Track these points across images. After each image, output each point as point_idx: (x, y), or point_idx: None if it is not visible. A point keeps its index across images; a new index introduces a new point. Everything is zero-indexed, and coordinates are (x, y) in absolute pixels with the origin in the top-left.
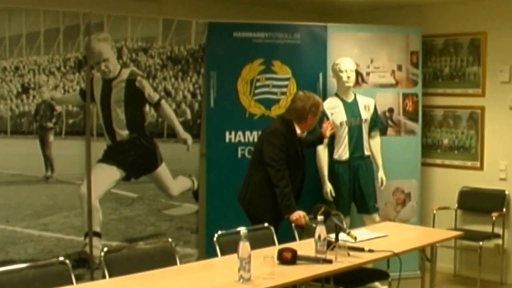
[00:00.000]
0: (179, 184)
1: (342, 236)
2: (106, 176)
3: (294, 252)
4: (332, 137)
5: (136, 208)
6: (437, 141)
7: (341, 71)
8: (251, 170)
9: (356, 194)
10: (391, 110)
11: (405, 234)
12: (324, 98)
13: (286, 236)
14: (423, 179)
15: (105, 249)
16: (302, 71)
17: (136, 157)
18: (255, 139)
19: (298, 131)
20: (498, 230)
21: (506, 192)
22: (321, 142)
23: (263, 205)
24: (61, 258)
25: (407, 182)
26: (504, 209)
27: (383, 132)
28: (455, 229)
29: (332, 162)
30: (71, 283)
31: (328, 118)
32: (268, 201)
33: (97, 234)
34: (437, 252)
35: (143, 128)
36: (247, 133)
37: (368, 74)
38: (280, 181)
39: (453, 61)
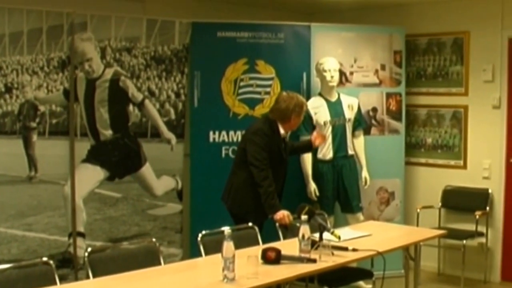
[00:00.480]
0: (163, 184)
1: (326, 235)
2: (90, 176)
3: (278, 251)
4: None
5: (120, 208)
6: (420, 140)
7: (325, 71)
8: (235, 169)
9: (340, 194)
10: (374, 110)
11: (389, 233)
12: (308, 97)
13: (270, 235)
14: (407, 178)
15: (89, 249)
16: (286, 70)
17: (120, 157)
18: (239, 139)
19: (281, 131)
20: (481, 228)
21: (490, 191)
22: (310, 150)
23: (246, 204)
24: (45, 259)
25: (391, 181)
26: (488, 208)
27: (367, 132)
28: (439, 228)
29: (316, 161)
30: (55, 283)
31: (311, 118)
32: (251, 200)
33: (81, 234)
34: (421, 251)
35: (127, 128)
36: (231, 132)
37: (351, 73)
38: (264, 181)
39: (436, 60)
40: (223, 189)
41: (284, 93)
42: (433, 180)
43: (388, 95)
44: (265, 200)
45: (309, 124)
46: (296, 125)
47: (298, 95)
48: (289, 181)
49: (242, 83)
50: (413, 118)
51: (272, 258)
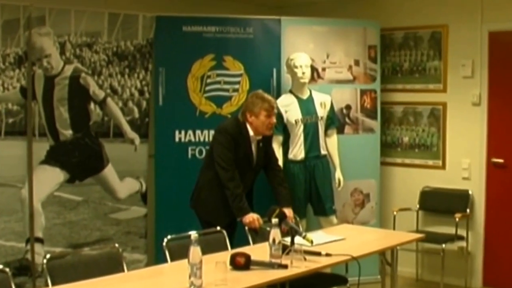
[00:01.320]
0: (126, 186)
1: (298, 239)
2: (49, 178)
3: (247, 257)
4: (287, 136)
5: (81, 212)
6: (396, 139)
7: (296, 67)
8: (202, 169)
9: (312, 195)
10: (348, 107)
11: (364, 237)
12: (278, 94)
13: (239, 240)
14: (383, 179)
15: (48, 255)
16: (255, 66)
17: (80, 158)
18: (206, 139)
19: (251, 133)
20: (461, 231)
21: (470, 192)
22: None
23: (211, 204)
24: (1, 266)
25: (365, 182)
26: (468, 210)
27: (340, 130)
28: (417, 231)
29: (287, 162)
30: None
31: (282, 116)
32: (217, 200)
33: (39, 240)
34: (398, 256)
35: (88, 128)
36: (198, 132)
37: (324, 69)
38: (230, 182)
39: (413, 55)
40: (191, 192)
41: (257, 91)
42: (410, 181)
43: (363, 92)
44: (232, 202)
45: (279, 123)
46: (263, 126)
47: (268, 96)
48: (259, 183)
49: (209, 80)
50: (388, 116)
51: (242, 263)
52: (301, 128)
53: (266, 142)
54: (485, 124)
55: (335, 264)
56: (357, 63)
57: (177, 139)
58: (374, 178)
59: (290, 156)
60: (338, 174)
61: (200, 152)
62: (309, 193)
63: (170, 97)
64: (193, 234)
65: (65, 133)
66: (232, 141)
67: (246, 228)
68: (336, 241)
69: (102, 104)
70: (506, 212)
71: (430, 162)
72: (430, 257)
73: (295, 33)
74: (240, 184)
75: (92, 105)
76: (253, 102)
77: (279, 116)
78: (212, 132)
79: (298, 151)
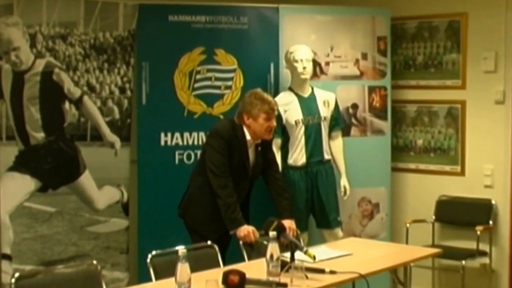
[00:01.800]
0: (105, 196)
1: (298, 255)
2: (18, 187)
3: (242, 274)
4: (286, 139)
5: (54, 225)
6: (409, 142)
7: (296, 61)
8: (192, 175)
9: (315, 206)
10: (355, 106)
11: (373, 252)
12: (276, 92)
13: (232, 256)
14: (394, 187)
15: (17, 274)
16: (250, 61)
17: (54, 164)
18: (195, 142)
19: (248, 137)
20: (484, 246)
21: (493, 202)
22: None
23: (201, 214)
24: None
25: (375, 190)
26: (491, 222)
27: (346, 132)
28: (433, 245)
29: (286, 167)
30: None
31: (281, 117)
32: (207, 209)
33: (7, 257)
34: (411, 273)
35: (62, 130)
36: (186, 134)
37: (327, 64)
38: (222, 190)
39: (427, 47)
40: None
41: (256, 90)
42: (425, 189)
43: (371, 89)
44: (225, 213)
45: (278, 124)
46: (262, 130)
47: (267, 95)
48: (256, 191)
49: (198, 76)
50: (400, 116)
51: (235, 282)
52: (302, 129)
53: (265, 146)
54: (509, 124)
55: (341, 283)
56: (364, 56)
57: (162, 143)
58: (384, 186)
59: (290, 161)
60: (343, 182)
61: (189, 156)
62: (311, 203)
63: (154, 95)
64: (181, 249)
65: (36, 136)
66: (226, 145)
67: (241, 242)
68: (341, 257)
69: (78, 103)
70: None
71: (448, 168)
72: (448, 275)
73: (295, 23)
74: (234, 193)
75: (66, 105)
76: (252, 103)
77: (278, 116)
78: (201, 134)
79: (298, 156)
